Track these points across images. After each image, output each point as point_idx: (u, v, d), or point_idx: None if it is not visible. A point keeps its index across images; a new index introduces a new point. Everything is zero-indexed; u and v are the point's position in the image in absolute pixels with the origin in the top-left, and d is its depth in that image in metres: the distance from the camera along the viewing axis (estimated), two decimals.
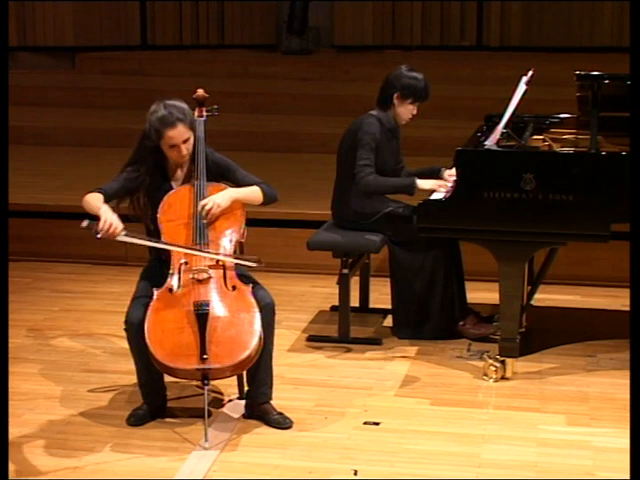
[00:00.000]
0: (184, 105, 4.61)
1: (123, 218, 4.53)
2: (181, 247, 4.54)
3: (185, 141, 4.56)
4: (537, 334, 5.66)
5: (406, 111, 5.57)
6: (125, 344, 4.63)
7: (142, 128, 4.63)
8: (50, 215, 7.15)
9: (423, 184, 5.46)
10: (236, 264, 4.56)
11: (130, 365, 4.65)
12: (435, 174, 5.60)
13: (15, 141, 7.56)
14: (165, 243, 4.56)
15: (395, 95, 5.53)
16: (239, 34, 11.50)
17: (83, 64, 10.86)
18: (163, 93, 7.57)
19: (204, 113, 4.86)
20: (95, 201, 4.48)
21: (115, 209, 4.54)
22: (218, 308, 4.41)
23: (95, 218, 4.42)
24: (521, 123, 5.72)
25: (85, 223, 4.37)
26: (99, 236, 4.38)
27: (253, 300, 4.45)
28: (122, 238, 4.44)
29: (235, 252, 4.61)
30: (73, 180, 7.77)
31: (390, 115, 5.59)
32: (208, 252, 4.52)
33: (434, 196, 5.33)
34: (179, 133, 4.53)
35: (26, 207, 7.16)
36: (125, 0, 11.13)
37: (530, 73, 5.46)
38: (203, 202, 4.58)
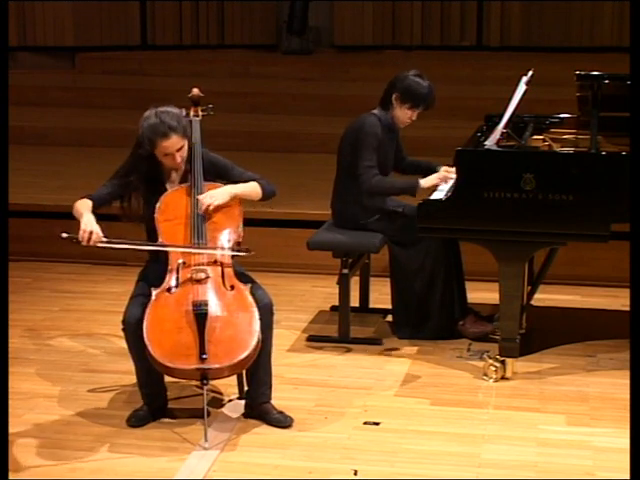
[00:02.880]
0: (177, 111, 4.60)
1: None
2: (166, 246, 4.54)
3: (179, 149, 4.55)
4: (537, 334, 5.66)
5: (404, 115, 5.54)
6: (125, 344, 4.62)
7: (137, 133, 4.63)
8: (50, 215, 7.14)
9: (426, 183, 5.46)
10: (232, 256, 4.56)
11: (130, 365, 4.64)
12: (431, 171, 5.60)
13: (15, 141, 7.54)
14: (148, 244, 4.56)
15: (394, 96, 5.52)
16: (239, 34, 11.49)
17: (83, 64, 10.85)
18: (163, 93, 7.60)
19: (199, 112, 4.87)
20: (81, 208, 4.52)
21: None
22: (217, 308, 4.40)
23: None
24: (521, 123, 5.72)
25: (64, 235, 4.44)
26: (82, 244, 4.42)
27: (251, 299, 4.45)
28: (103, 244, 4.46)
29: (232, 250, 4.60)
30: (73, 180, 7.77)
31: (389, 115, 5.58)
32: (198, 248, 4.52)
33: (434, 196, 5.33)
34: (172, 143, 4.52)
35: (26, 207, 7.16)
36: (125, 0, 11.13)
37: (530, 73, 5.46)
38: (201, 197, 4.58)
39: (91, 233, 4.40)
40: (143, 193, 4.63)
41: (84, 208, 4.51)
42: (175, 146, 4.53)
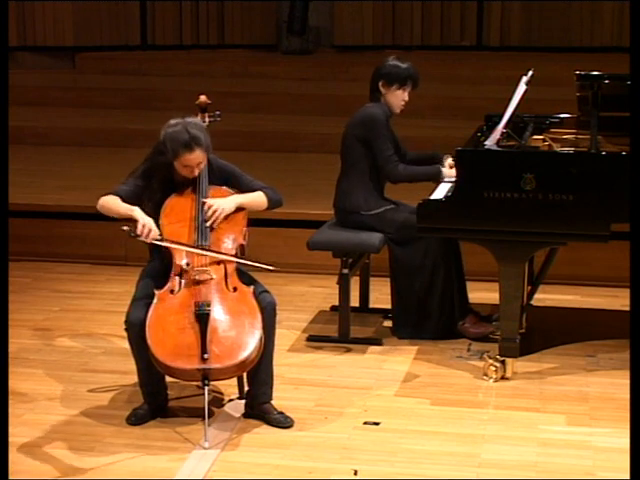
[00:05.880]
0: (203, 125, 4.63)
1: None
2: (211, 252, 4.53)
3: (199, 163, 4.56)
4: (537, 334, 5.66)
5: (395, 98, 5.59)
6: (125, 344, 4.63)
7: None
8: (50, 215, 7.15)
9: (447, 172, 5.52)
10: (249, 266, 4.57)
11: (130, 365, 4.65)
12: (437, 161, 5.64)
13: (15, 141, 7.55)
14: (195, 247, 4.53)
15: (380, 83, 5.58)
16: (239, 34, 11.49)
17: (83, 64, 10.86)
18: (163, 93, 7.60)
19: (206, 119, 4.88)
20: (119, 202, 4.52)
21: None
22: (219, 309, 4.41)
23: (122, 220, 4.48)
24: (521, 123, 5.73)
25: (125, 228, 4.41)
26: (139, 239, 4.43)
27: (254, 301, 4.46)
28: (157, 242, 4.48)
29: (236, 254, 4.61)
30: (73, 180, 7.77)
31: (384, 105, 5.60)
32: (225, 255, 4.53)
33: (434, 196, 5.33)
34: (196, 156, 4.52)
35: (26, 207, 7.15)
36: (125, 0, 11.13)
37: (530, 73, 5.46)
38: (209, 202, 4.58)
39: (150, 230, 4.43)
40: (157, 199, 4.63)
41: (122, 203, 4.51)
42: (197, 160, 4.54)
